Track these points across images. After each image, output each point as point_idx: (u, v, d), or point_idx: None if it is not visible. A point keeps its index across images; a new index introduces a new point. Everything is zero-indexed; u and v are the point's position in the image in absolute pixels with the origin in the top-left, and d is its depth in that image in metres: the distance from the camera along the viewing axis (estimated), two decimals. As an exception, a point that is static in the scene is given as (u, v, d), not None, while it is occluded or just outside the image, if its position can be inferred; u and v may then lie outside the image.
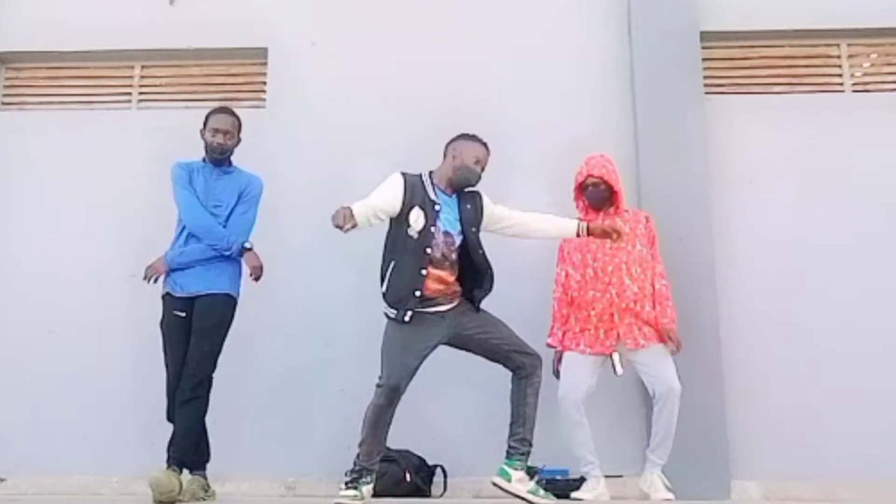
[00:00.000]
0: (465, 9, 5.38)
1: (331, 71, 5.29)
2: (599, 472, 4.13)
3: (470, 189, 3.84)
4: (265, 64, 5.41)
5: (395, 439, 4.52)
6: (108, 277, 5.07)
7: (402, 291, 3.65)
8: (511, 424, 3.69)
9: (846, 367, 4.75)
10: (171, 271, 4.11)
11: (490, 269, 3.78)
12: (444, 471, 4.56)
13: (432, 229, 3.69)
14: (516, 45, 5.31)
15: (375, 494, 4.33)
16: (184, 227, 4.15)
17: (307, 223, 4.89)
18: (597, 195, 4.25)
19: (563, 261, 4.36)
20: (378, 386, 3.62)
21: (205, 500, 4.01)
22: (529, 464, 3.71)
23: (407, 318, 3.63)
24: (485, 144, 3.87)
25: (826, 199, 5.00)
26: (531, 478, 3.68)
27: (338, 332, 4.85)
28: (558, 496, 4.27)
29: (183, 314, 4.05)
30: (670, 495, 3.99)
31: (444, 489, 4.55)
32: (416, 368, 3.67)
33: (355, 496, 3.58)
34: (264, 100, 5.38)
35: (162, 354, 4.10)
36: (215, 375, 4.00)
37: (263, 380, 4.75)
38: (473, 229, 3.78)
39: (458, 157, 3.81)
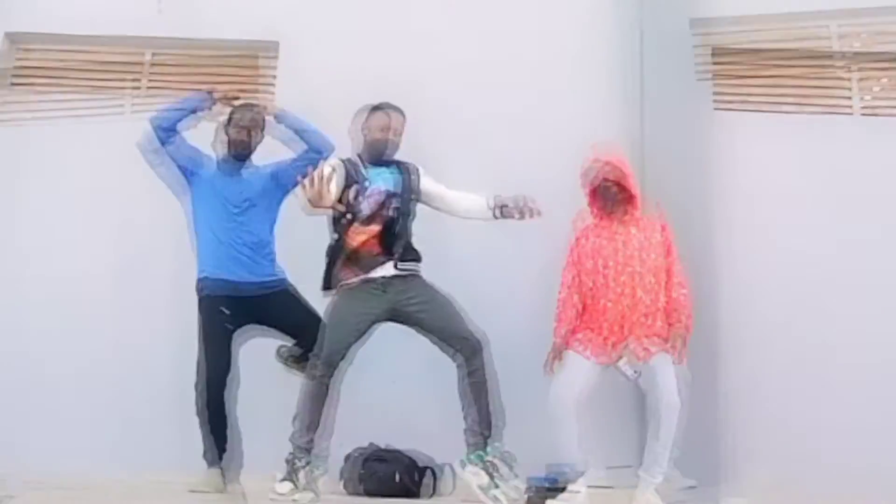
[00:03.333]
0: (467, 10, 5.38)
1: (342, 66, 5.30)
2: (583, 482, 3.98)
3: (404, 162, 3.95)
4: (276, 57, 5.41)
5: (392, 439, 4.54)
6: (108, 277, 5.06)
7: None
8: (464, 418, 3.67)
9: (846, 369, 4.75)
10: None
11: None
12: (433, 472, 4.52)
13: (359, 198, 3.80)
14: (520, 51, 5.30)
15: (365, 493, 4.33)
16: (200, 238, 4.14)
17: (314, 220, 4.88)
18: (610, 197, 4.09)
19: (572, 264, 4.23)
20: (314, 355, 3.66)
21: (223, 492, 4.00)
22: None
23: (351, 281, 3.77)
24: (392, 111, 3.96)
25: (830, 214, 4.98)
26: (489, 474, 3.61)
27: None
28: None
29: (229, 311, 4.01)
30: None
31: (433, 490, 4.52)
32: (351, 344, 3.69)
33: (292, 490, 3.51)
34: (273, 94, 5.37)
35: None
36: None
37: (262, 379, 4.72)
38: (413, 196, 3.92)
39: (367, 132, 3.96)
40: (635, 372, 4.00)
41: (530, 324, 4.80)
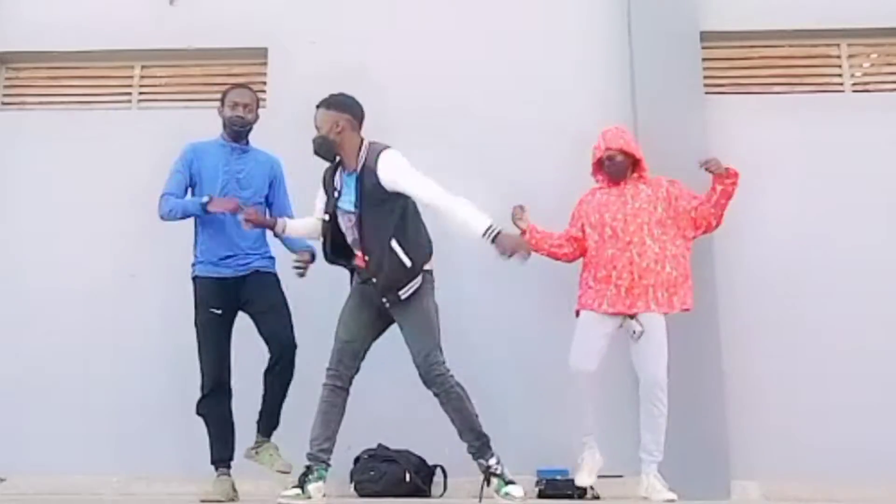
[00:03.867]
0: (466, 9, 5.38)
1: (331, 71, 5.28)
2: (595, 445, 4.07)
3: (378, 152, 3.63)
4: (265, 64, 5.41)
5: (396, 439, 4.57)
6: (108, 277, 5.08)
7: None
8: None
9: (846, 367, 4.76)
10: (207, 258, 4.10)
11: (391, 251, 3.53)
12: (444, 471, 4.56)
13: (333, 215, 3.72)
14: (517, 44, 5.31)
15: (376, 494, 4.35)
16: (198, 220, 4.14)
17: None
18: (614, 168, 4.23)
19: (572, 224, 4.35)
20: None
21: (233, 499, 4.01)
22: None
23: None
24: (320, 105, 3.75)
25: (826, 198, 5.01)
26: (486, 478, 3.59)
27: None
28: (558, 496, 4.29)
29: (220, 311, 4.03)
30: (672, 495, 3.94)
31: (444, 489, 4.55)
32: (354, 343, 3.65)
33: (297, 495, 3.48)
34: (264, 100, 5.37)
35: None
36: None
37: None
38: (373, 201, 3.59)
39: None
40: (636, 333, 4.06)
41: (534, 322, 4.82)
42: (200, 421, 4.10)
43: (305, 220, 4.01)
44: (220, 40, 5.44)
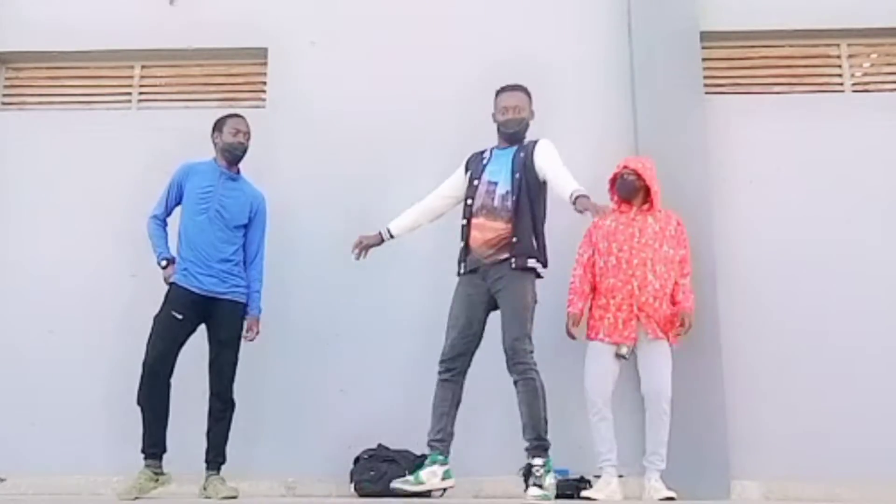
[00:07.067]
0: (466, 9, 5.38)
1: (331, 71, 5.30)
2: (614, 471, 4.15)
3: (531, 140, 4.02)
4: (265, 64, 5.41)
5: (396, 439, 4.56)
6: (108, 277, 5.08)
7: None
8: None
9: (846, 367, 4.75)
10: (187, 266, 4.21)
11: (534, 230, 3.88)
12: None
13: (475, 182, 3.96)
14: (516, 45, 5.31)
15: (377, 494, 4.35)
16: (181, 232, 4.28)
17: (308, 223, 4.91)
18: (625, 185, 4.33)
19: (587, 243, 4.41)
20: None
21: (155, 487, 4.05)
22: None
23: (461, 271, 3.98)
24: (514, 88, 4.09)
25: (826, 199, 5.01)
26: (526, 475, 3.75)
27: (338, 333, 4.85)
28: (558, 496, 4.29)
29: (181, 317, 4.12)
30: (671, 493, 4.00)
31: (444, 489, 4.54)
32: (464, 339, 3.83)
33: (407, 481, 3.75)
34: (264, 100, 5.38)
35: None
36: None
37: (263, 379, 4.75)
38: (517, 175, 3.91)
39: (494, 114, 4.11)
40: (626, 355, 4.20)
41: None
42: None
43: (410, 214, 4.19)
44: (220, 40, 5.44)
